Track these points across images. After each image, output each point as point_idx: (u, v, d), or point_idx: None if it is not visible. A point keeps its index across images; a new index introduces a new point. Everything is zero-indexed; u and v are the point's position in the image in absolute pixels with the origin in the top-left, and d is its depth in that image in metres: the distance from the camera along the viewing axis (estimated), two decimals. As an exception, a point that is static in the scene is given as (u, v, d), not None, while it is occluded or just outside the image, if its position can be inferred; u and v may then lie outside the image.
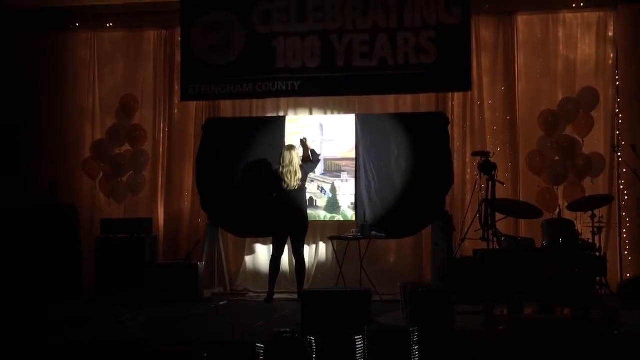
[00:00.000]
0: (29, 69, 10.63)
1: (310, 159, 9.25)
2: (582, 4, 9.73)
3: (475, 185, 8.98)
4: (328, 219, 9.81)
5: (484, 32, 10.00)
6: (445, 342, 6.05)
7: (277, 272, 9.06)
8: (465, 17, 9.27)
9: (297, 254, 9.02)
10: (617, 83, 9.60)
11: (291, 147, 9.13)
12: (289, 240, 9.15)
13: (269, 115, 10.30)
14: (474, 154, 9.01)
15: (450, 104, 10.00)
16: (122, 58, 10.77)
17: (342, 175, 9.77)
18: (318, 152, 9.39)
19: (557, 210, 8.99)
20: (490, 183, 8.36)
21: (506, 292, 7.02)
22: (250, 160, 9.61)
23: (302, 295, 7.07)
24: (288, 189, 8.93)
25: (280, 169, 8.98)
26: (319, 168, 9.66)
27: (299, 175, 8.99)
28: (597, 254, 8.48)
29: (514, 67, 9.88)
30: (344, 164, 9.79)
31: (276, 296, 9.02)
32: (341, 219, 9.77)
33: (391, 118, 9.75)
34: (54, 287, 8.83)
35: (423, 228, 9.50)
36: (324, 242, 9.99)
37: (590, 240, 8.56)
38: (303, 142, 9.31)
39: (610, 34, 9.75)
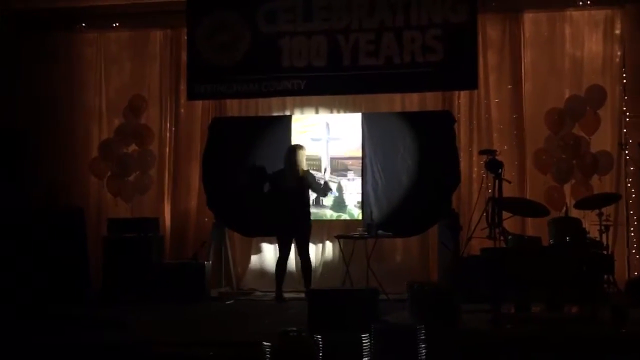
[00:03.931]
0: (36, 70, 10.62)
1: (318, 191, 9.19)
2: (588, 2, 9.69)
3: (481, 184, 8.95)
4: (334, 218, 9.82)
5: (490, 30, 9.97)
6: (452, 341, 6.03)
7: (284, 274, 9.02)
8: (472, 15, 9.24)
9: (302, 255, 8.99)
10: (624, 81, 9.57)
11: (298, 147, 9.10)
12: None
13: (275, 114, 10.30)
14: (481, 152, 8.99)
15: (456, 103, 9.99)
16: (128, 58, 10.77)
17: (348, 174, 9.79)
18: (330, 187, 9.32)
19: (564, 208, 8.93)
20: (496, 181, 8.32)
21: (513, 291, 7.01)
22: (256, 159, 9.60)
23: (308, 293, 7.04)
24: (291, 189, 8.90)
25: (285, 169, 8.98)
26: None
27: (305, 176, 8.96)
28: (605, 252, 8.44)
29: (521, 65, 9.85)
30: (350, 162, 9.80)
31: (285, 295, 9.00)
32: (347, 217, 9.79)
33: (397, 117, 9.74)
34: (60, 289, 8.79)
35: (430, 227, 9.48)
36: (331, 241, 9.97)
37: (598, 239, 8.51)
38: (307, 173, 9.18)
39: (617, 31, 9.71)
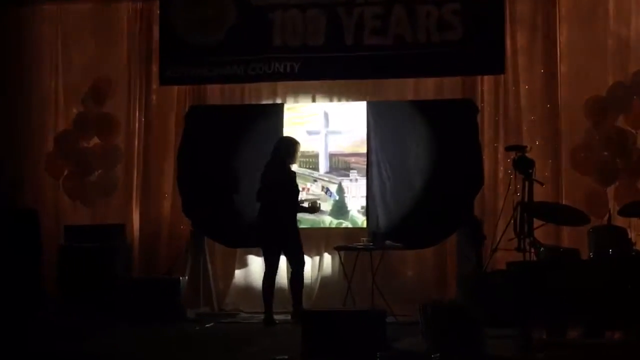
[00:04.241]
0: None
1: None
2: (637, -30, 9.72)
3: (509, 186, 8.94)
4: (334, 226, 9.84)
5: (519, 4, 9.97)
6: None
7: (273, 291, 9.00)
8: (497, -14, 9.32)
9: (294, 265, 8.97)
10: (679, 65, 9.58)
11: (297, 143, 9.12)
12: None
13: (264, 102, 10.32)
14: (508, 148, 9.02)
15: (479, 90, 10.00)
16: (90, 35, 10.73)
17: (350, 174, 9.83)
18: (318, 205, 9.35)
19: (607, 215, 8.94)
20: (526, 183, 8.36)
21: (546, 313, 7.00)
22: (242, 156, 9.66)
23: (300, 315, 7.04)
24: (281, 190, 8.90)
25: (275, 165, 8.98)
26: (324, 166, 9.65)
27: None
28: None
29: (556, 45, 9.85)
30: (353, 160, 9.84)
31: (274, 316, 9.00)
32: (350, 225, 9.82)
33: (409, 106, 9.77)
34: (9, 307, 8.80)
35: (447, 237, 9.53)
36: (330, 253, 9.98)
37: (646, 251, 8.52)
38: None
39: (671, 6, 9.75)
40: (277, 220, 8.86)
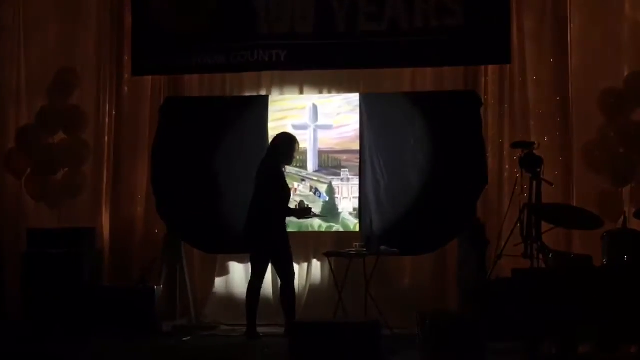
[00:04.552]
0: None
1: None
2: (656, -51, 9.74)
3: (515, 186, 8.90)
4: (324, 230, 9.84)
5: (527, -13, 10.01)
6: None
7: (258, 302, 8.94)
8: (502, -34, 9.35)
9: (288, 277, 8.89)
10: (701, 54, 9.62)
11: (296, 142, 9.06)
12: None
13: (247, 94, 10.33)
14: (514, 145, 8.99)
15: (482, 80, 10.02)
16: (55, 20, 10.71)
17: (342, 173, 9.84)
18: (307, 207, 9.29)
19: (622, 218, 8.95)
20: (534, 183, 8.37)
21: (555, 325, 7.00)
22: (222, 152, 9.67)
23: (290, 327, 7.03)
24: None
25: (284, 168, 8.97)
26: (312, 164, 9.69)
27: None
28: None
29: (567, 32, 9.86)
30: (344, 157, 9.85)
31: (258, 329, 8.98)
32: (341, 229, 9.81)
33: (406, 98, 9.78)
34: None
35: (447, 242, 9.53)
36: (319, 260, 10.01)
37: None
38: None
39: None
40: (268, 225, 8.78)
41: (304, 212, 9.12)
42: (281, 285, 8.96)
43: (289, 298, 8.87)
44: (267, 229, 8.77)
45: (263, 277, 8.99)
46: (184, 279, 9.92)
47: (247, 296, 8.98)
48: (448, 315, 7.72)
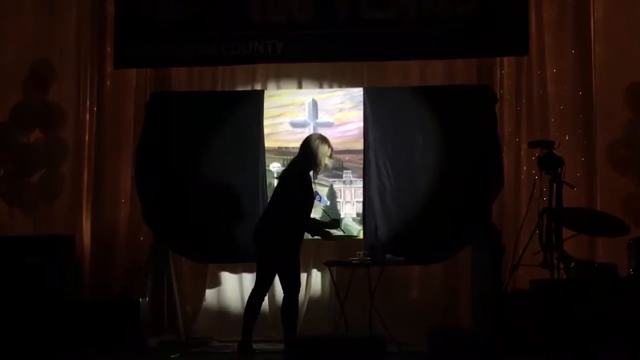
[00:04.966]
0: None
1: None
2: None
3: (533, 189, 8.89)
4: (325, 237, 9.89)
5: (546, -28, 10.07)
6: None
7: (256, 316, 8.84)
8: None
9: (293, 289, 8.71)
10: None
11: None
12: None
13: (241, 89, 10.38)
14: (532, 144, 8.97)
15: (498, 74, 10.07)
16: (31, 10, 10.73)
17: (344, 175, 9.90)
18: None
19: (650, 224, 9.05)
20: (554, 186, 8.40)
21: (577, 339, 7.06)
22: (214, 151, 9.69)
23: (288, 343, 7.08)
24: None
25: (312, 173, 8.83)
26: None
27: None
28: None
29: (590, 20, 9.92)
30: (347, 158, 9.90)
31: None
32: (343, 235, 9.71)
33: (414, 93, 9.79)
34: None
35: (459, 250, 9.57)
36: (319, 270, 10.08)
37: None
38: None
39: None
40: (287, 236, 8.63)
41: (334, 224, 8.95)
42: (284, 298, 8.69)
43: (293, 311, 8.67)
44: (286, 242, 8.61)
45: (267, 291, 8.97)
46: (172, 291, 9.91)
47: (246, 307, 8.83)
48: (460, 330, 7.72)
